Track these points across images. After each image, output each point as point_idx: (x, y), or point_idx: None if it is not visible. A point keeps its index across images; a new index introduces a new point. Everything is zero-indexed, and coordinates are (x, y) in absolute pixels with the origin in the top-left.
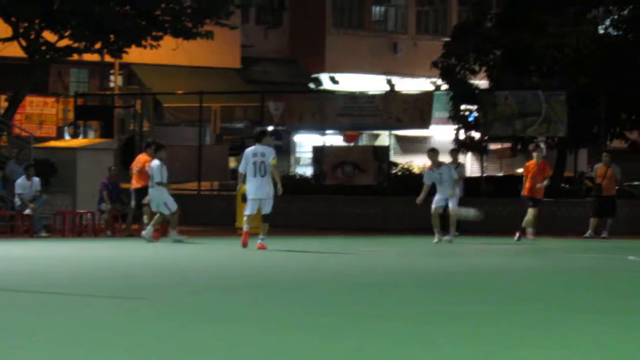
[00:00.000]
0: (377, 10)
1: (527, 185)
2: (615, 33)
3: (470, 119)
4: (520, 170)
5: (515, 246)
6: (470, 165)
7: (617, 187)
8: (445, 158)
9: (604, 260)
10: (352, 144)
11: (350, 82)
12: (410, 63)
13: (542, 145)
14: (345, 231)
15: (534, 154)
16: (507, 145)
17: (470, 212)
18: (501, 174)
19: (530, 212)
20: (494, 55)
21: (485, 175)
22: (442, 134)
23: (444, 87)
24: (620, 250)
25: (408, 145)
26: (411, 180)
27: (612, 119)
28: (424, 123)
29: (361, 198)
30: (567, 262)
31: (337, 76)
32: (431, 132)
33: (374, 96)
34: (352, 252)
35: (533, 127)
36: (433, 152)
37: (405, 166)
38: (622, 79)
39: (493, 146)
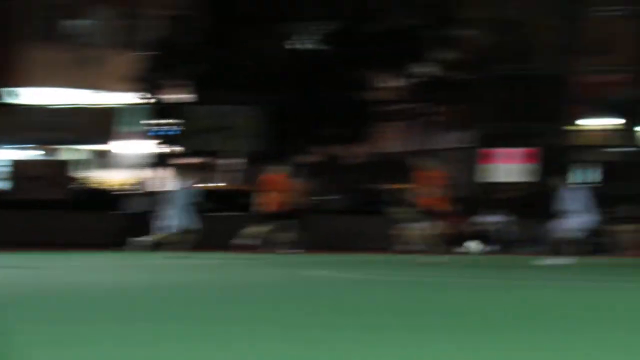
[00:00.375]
0: (71, 23)
1: (271, 200)
2: (316, 48)
3: (170, 133)
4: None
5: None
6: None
7: (303, 201)
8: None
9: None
10: (44, 158)
11: (43, 96)
12: (105, 76)
13: (244, 159)
14: (35, 246)
15: (273, 169)
16: (207, 159)
17: (472, 246)
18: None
19: (281, 229)
20: (196, 69)
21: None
22: (135, 148)
23: (143, 100)
24: (304, 265)
25: (101, 160)
26: (103, 195)
27: (307, 133)
28: (111, 137)
29: (51, 212)
30: (234, 276)
31: (31, 90)
32: (125, 147)
33: (62, 110)
34: (36, 268)
35: (229, 141)
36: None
37: (98, 180)
38: (320, 94)
39: (193, 160)
